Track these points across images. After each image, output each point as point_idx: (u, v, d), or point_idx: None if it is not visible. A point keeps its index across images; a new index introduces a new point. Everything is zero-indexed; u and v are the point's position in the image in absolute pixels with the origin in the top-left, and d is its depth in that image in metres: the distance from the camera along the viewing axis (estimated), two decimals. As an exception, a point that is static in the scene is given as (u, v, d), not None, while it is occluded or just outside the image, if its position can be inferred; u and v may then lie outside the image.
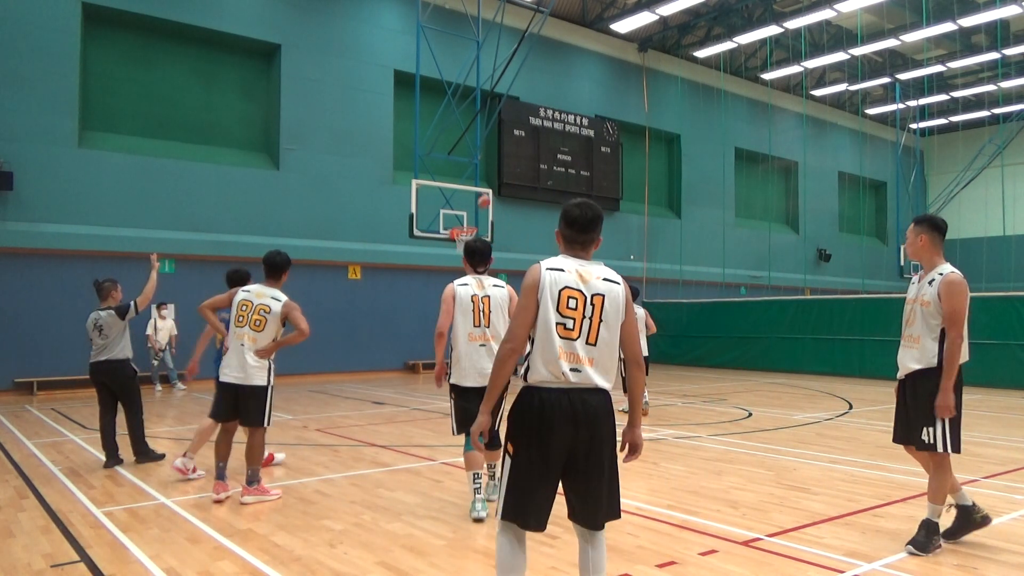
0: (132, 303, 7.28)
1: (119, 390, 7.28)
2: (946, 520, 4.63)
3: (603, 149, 23.00)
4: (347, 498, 5.92)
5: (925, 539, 4.46)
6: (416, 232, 15.93)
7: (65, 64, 14.67)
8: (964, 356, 4.43)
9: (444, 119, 17.37)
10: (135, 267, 15.24)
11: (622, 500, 5.75)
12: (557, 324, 3.01)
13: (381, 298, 18.30)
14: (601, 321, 3.06)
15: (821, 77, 29.49)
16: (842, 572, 4.13)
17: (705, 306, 22.21)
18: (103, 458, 7.23)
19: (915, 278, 4.82)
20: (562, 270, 3.08)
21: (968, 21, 21.55)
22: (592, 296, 3.07)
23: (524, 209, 21.38)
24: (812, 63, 25.58)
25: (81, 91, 15.06)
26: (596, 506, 3.11)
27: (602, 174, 22.93)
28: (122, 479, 6.69)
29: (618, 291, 3.13)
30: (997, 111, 30.53)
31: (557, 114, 22.08)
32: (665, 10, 21.08)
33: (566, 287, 3.05)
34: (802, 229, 29.55)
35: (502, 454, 3.12)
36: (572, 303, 3.04)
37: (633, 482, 6.54)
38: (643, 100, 24.78)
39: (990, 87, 28.71)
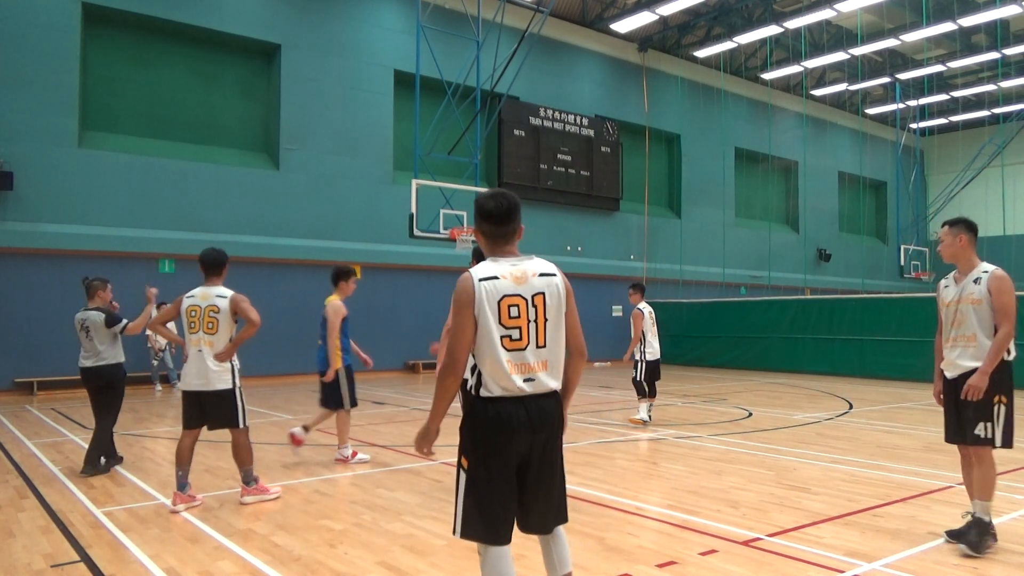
0: (124, 322, 7.03)
1: (105, 394, 7.01)
2: (959, 522, 4.70)
3: (603, 149, 23.00)
4: (347, 498, 5.92)
5: (977, 538, 4.46)
6: (416, 232, 15.94)
7: (65, 64, 14.67)
8: (1012, 352, 4.55)
9: (444, 119, 17.37)
10: (135, 267, 15.26)
11: (622, 500, 5.78)
12: (502, 337, 2.85)
13: (381, 298, 18.29)
14: (547, 320, 2.92)
15: (821, 77, 29.49)
16: (842, 572, 4.13)
17: (705, 306, 22.21)
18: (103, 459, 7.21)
19: (947, 280, 4.89)
20: (496, 277, 2.87)
21: (968, 21, 21.55)
22: (533, 297, 2.90)
23: (524, 209, 20.89)
24: (812, 63, 25.58)
25: (81, 91, 15.07)
26: (550, 510, 3.02)
27: (602, 174, 22.93)
28: (122, 479, 6.69)
29: (556, 283, 2.97)
30: (997, 111, 30.53)
31: (557, 114, 22.07)
32: (665, 10, 21.08)
33: (504, 296, 2.86)
34: (802, 229, 29.55)
35: (457, 469, 2.97)
36: (514, 311, 2.87)
37: (633, 482, 6.54)
38: (643, 100, 24.78)
39: (990, 87, 28.71)
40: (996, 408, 4.50)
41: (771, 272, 26.82)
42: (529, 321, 2.89)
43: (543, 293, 2.93)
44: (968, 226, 4.77)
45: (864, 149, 31.70)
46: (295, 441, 7.30)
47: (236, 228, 16.41)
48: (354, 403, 7.32)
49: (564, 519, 3.08)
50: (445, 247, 17.81)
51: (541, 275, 2.95)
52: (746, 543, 4.67)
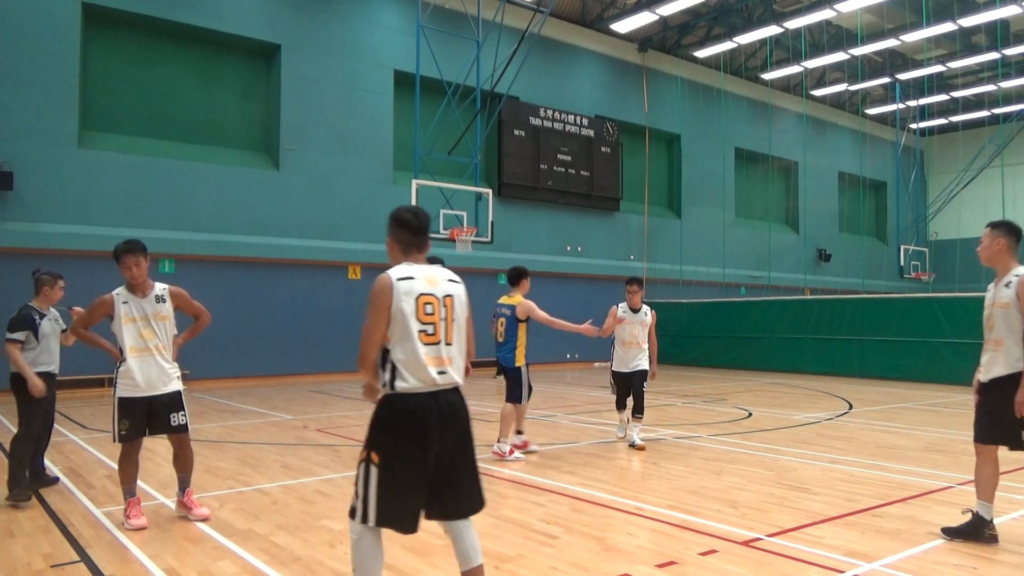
0: (65, 331, 6.21)
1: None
2: (959, 520, 4.76)
3: (603, 149, 23.00)
4: (347, 498, 5.91)
5: (968, 528, 4.64)
6: (416, 232, 15.92)
7: (65, 64, 14.67)
8: None
9: (444, 119, 17.37)
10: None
11: (622, 500, 5.79)
12: (420, 332, 3.07)
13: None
14: (454, 321, 3.19)
15: (821, 77, 29.49)
16: (842, 572, 4.13)
17: (705, 306, 22.21)
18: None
19: (991, 284, 4.86)
20: (412, 277, 3.12)
21: (968, 21, 21.55)
22: (444, 298, 3.18)
23: (524, 209, 21.38)
24: (812, 63, 25.58)
25: (81, 91, 15.07)
26: (468, 498, 3.20)
27: (602, 174, 22.93)
28: (122, 479, 6.69)
29: (462, 290, 3.29)
30: (997, 111, 30.52)
31: (557, 114, 22.07)
32: (665, 10, 21.08)
33: (421, 293, 3.11)
34: (802, 229, 29.56)
35: (364, 462, 3.07)
36: (429, 308, 3.12)
37: (633, 482, 6.55)
38: (643, 100, 24.78)
39: (990, 87, 28.71)
40: None
41: (771, 272, 26.82)
42: (441, 319, 3.15)
43: (452, 296, 3.22)
44: (1010, 230, 4.72)
45: (864, 149, 31.70)
46: (523, 446, 7.82)
47: (236, 228, 16.41)
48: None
49: (481, 505, 3.26)
50: (445, 247, 17.80)
51: (450, 280, 3.26)
52: (746, 543, 4.67)
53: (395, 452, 3.02)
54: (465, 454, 3.17)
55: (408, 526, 3.08)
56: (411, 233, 3.27)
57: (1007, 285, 4.62)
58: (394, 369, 3.05)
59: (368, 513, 3.04)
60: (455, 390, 3.18)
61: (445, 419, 3.07)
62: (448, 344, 3.16)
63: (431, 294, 3.13)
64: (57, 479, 6.39)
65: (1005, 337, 4.56)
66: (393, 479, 3.02)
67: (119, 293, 5.14)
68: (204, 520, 5.21)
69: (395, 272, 3.14)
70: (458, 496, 3.16)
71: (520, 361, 7.76)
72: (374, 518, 3.04)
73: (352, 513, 3.10)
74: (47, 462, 6.60)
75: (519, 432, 7.93)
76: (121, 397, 5.08)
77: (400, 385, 3.04)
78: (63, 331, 6.20)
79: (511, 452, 7.56)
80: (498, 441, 7.61)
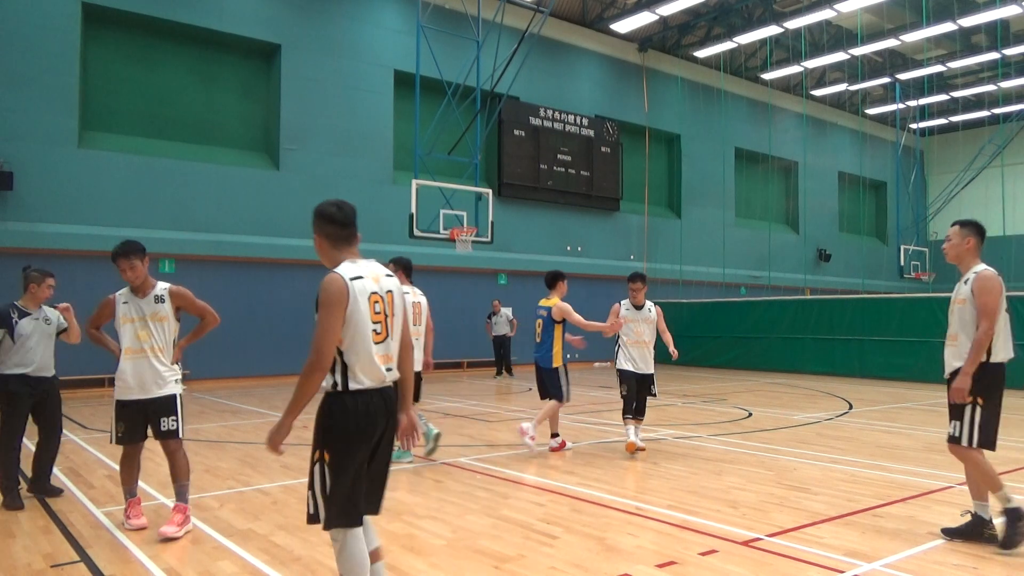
0: (65, 330, 6.01)
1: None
2: (958, 521, 4.76)
3: (603, 149, 23.00)
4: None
5: (968, 529, 4.63)
6: (416, 232, 15.94)
7: (65, 64, 14.67)
8: (1007, 353, 4.63)
9: (444, 119, 17.36)
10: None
11: (622, 500, 5.79)
12: (372, 331, 3.09)
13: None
14: (394, 316, 3.24)
15: (821, 77, 29.49)
16: (842, 572, 4.13)
17: (705, 306, 22.21)
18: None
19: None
20: (362, 276, 3.11)
21: (968, 21, 21.56)
22: (386, 294, 3.21)
23: (524, 209, 21.38)
24: (812, 63, 25.57)
25: (81, 91, 15.07)
26: (383, 492, 3.27)
27: (602, 174, 22.93)
28: (122, 479, 6.68)
29: (397, 283, 3.31)
30: (997, 111, 30.53)
31: (557, 114, 22.07)
32: (665, 10, 21.08)
33: (371, 293, 3.12)
34: (802, 229, 29.55)
35: (317, 463, 3.06)
36: (378, 307, 3.14)
37: (633, 482, 6.55)
38: (643, 100, 24.78)
39: (990, 87, 28.71)
40: (968, 408, 4.61)
41: (771, 272, 26.82)
42: (387, 316, 3.18)
43: (392, 291, 3.25)
44: (978, 230, 4.82)
45: (864, 149, 31.70)
46: (560, 447, 8.00)
47: (236, 228, 16.41)
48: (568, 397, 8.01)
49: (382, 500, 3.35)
50: (445, 247, 17.82)
51: (387, 276, 3.27)
52: (746, 543, 4.67)
53: (347, 450, 3.03)
54: (389, 449, 3.24)
55: (357, 519, 3.10)
56: (338, 226, 3.21)
57: (966, 282, 4.75)
58: (346, 370, 3.05)
59: (319, 514, 3.05)
60: (393, 385, 3.23)
61: (388, 414, 3.15)
62: (392, 340, 3.20)
63: (377, 292, 3.16)
64: (61, 491, 6.01)
65: (959, 332, 4.70)
66: (345, 476, 3.03)
67: (121, 294, 5.10)
68: (166, 539, 4.77)
69: (345, 272, 3.09)
70: (379, 491, 3.23)
71: (557, 361, 7.94)
72: (335, 519, 3.04)
73: (312, 519, 3.08)
74: (55, 470, 6.42)
75: (554, 435, 8.08)
76: (117, 399, 5.03)
77: (352, 385, 3.04)
78: (62, 331, 6.00)
79: (532, 439, 7.79)
80: (531, 422, 7.93)
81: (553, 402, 7.92)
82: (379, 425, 3.09)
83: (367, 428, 3.05)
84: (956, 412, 4.65)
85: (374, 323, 3.10)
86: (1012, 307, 15.55)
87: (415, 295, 7.63)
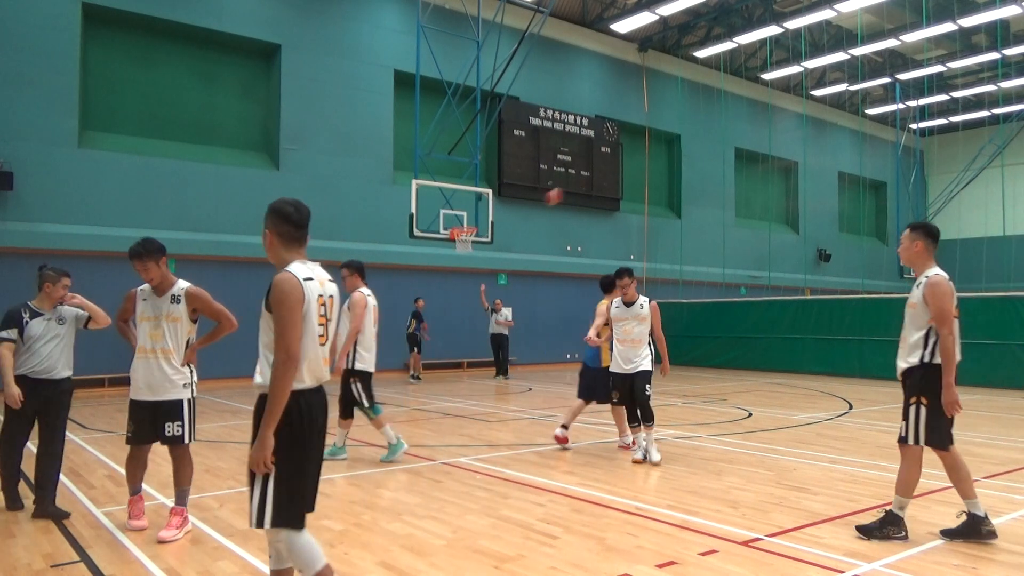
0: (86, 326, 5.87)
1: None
2: (955, 521, 4.78)
3: (603, 149, 23.00)
4: (347, 498, 5.92)
5: (876, 526, 4.73)
6: (416, 232, 15.94)
7: (65, 64, 14.67)
8: (956, 355, 4.68)
9: (444, 119, 17.37)
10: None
11: (622, 500, 5.79)
12: (319, 334, 3.14)
13: (381, 298, 18.07)
14: (331, 320, 3.27)
15: (821, 77, 29.49)
16: (842, 572, 4.13)
17: (705, 306, 22.21)
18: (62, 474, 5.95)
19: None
20: (312, 279, 3.14)
21: (968, 21, 21.55)
22: (328, 298, 3.24)
23: (524, 209, 21.38)
24: (812, 63, 25.58)
25: (81, 91, 15.07)
26: (317, 487, 3.24)
27: (602, 174, 22.93)
28: (122, 479, 6.67)
29: (336, 288, 3.35)
30: (997, 111, 30.53)
31: (557, 114, 22.07)
32: (665, 10, 21.08)
33: (319, 295, 3.16)
34: (802, 229, 29.55)
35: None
36: (323, 310, 3.18)
37: (633, 482, 6.55)
38: (643, 100, 24.78)
39: (990, 87, 28.71)
40: (914, 408, 4.72)
41: (771, 272, 26.82)
42: (328, 320, 3.24)
43: (333, 296, 3.29)
44: (927, 232, 4.88)
45: (864, 149, 31.70)
46: (563, 440, 8.11)
47: (236, 228, 16.40)
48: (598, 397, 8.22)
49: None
50: (445, 247, 17.81)
51: (330, 280, 3.31)
52: (746, 543, 4.67)
53: (292, 451, 3.03)
54: (323, 447, 3.26)
55: (303, 520, 3.10)
56: (293, 226, 3.20)
57: (918, 286, 4.83)
58: None
59: (264, 516, 3.00)
60: (324, 385, 3.29)
61: (326, 412, 3.23)
62: (329, 343, 3.25)
63: (323, 296, 3.19)
64: (68, 514, 5.40)
65: (908, 335, 4.83)
66: (294, 476, 3.04)
67: (143, 290, 5.06)
68: (162, 542, 4.74)
69: (297, 272, 3.08)
70: (314, 490, 3.21)
71: (605, 362, 8.02)
72: (283, 519, 3.01)
73: (259, 522, 3.01)
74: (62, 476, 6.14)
75: (564, 427, 8.20)
76: (130, 399, 5.02)
77: (297, 385, 3.05)
78: (87, 322, 5.76)
79: (566, 439, 8.06)
80: (562, 428, 8.14)
81: (580, 401, 8.21)
82: (321, 424, 3.16)
83: (313, 428, 3.10)
84: (904, 413, 4.76)
85: (319, 325, 3.15)
86: (1013, 307, 15.58)
87: (373, 298, 7.65)
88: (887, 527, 4.70)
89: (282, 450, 3.01)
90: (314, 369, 3.14)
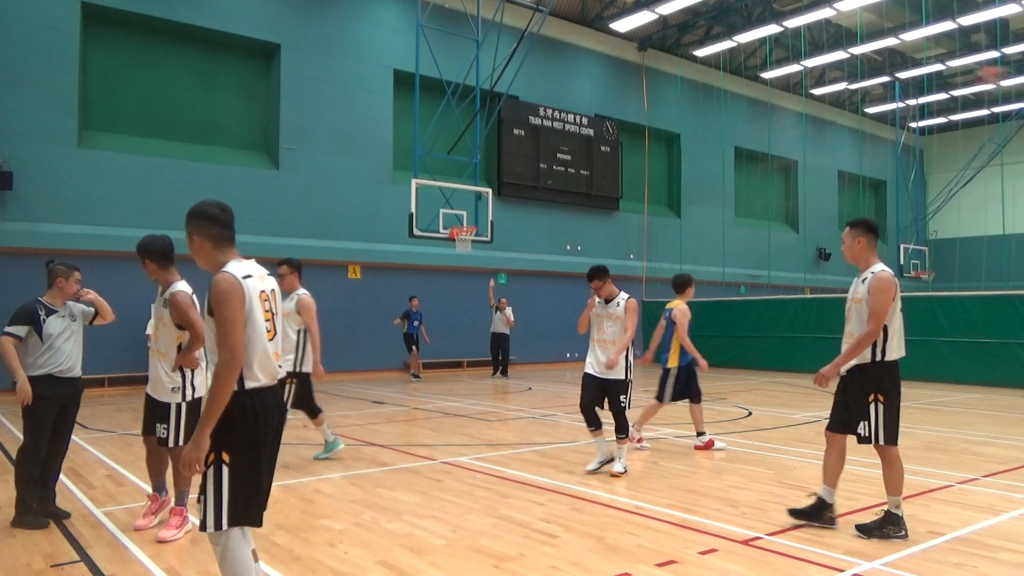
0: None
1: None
2: (804, 501, 5.02)
3: (603, 148, 22.99)
4: (347, 497, 5.92)
5: (876, 525, 4.75)
6: (416, 232, 15.93)
7: (65, 64, 14.66)
8: (900, 352, 4.80)
9: (444, 119, 17.36)
10: (135, 267, 15.24)
11: (622, 500, 5.79)
12: (266, 330, 3.14)
13: (381, 298, 18.28)
14: (277, 314, 3.27)
15: (821, 76, 29.48)
16: (842, 571, 4.13)
17: (705, 305, 22.18)
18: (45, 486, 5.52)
19: (855, 280, 5.10)
20: (251, 276, 3.13)
21: (968, 20, 21.53)
22: (271, 292, 3.25)
23: (524, 209, 21.37)
24: (812, 62, 25.56)
25: (81, 91, 15.06)
26: (270, 486, 3.22)
27: (602, 173, 22.92)
28: (122, 479, 6.69)
29: (276, 283, 3.36)
30: (997, 110, 30.51)
31: (557, 113, 22.07)
32: (665, 9, 21.07)
33: (261, 291, 3.15)
34: (802, 228, 29.55)
35: (212, 465, 2.97)
36: (267, 305, 3.19)
37: (633, 482, 6.54)
38: (643, 99, 24.77)
39: (990, 86, 28.69)
40: (872, 407, 4.74)
41: (771, 271, 26.81)
42: (274, 315, 3.23)
43: (275, 290, 3.31)
44: (868, 228, 4.94)
45: (864, 148, 31.69)
46: (638, 441, 8.11)
47: (236, 228, 16.37)
48: (673, 398, 8.34)
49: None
50: (445, 247, 17.81)
51: (268, 275, 3.30)
52: (746, 542, 4.67)
53: (246, 450, 3.02)
54: (278, 446, 3.26)
55: (259, 518, 3.10)
56: (222, 227, 3.21)
57: (863, 281, 4.86)
58: (244, 369, 3.03)
59: (222, 516, 2.97)
60: (280, 382, 3.27)
61: (281, 410, 3.21)
62: (278, 336, 3.25)
63: (265, 290, 3.19)
64: (68, 514, 5.30)
65: (856, 330, 4.81)
66: (247, 475, 3.02)
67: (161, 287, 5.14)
68: (161, 542, 4.74)
69: (235, 271, 3.07)
70: (269, 490, 3.21)
71: (672, 362, 8.40)
72: (227, 519, 2.98)
73: (203, 525, 2.98)
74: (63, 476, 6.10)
75: (700, 434, 8.24)
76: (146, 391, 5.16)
77: (249, 384, 3.04)
78: (93, 319, 5.61)
79: (639, 440, 8.08)
80: (633, 426, 8.02)
81: (654, 402, 8.34)
82: (274, 422, 3.14)
83: (267, 426, 3.08)
84: (862, 413, 4.75)
85: (265, 321, 3.14)
86: (1013, 306, 15.58)
87: (309, 296, 7.17)
88: (887, 527, 4.71)
89: (232, 451, 2.99)
90: (266, 366, 3.12)
